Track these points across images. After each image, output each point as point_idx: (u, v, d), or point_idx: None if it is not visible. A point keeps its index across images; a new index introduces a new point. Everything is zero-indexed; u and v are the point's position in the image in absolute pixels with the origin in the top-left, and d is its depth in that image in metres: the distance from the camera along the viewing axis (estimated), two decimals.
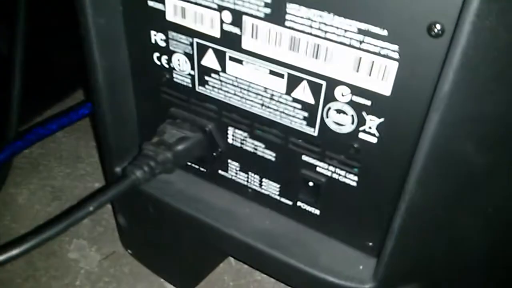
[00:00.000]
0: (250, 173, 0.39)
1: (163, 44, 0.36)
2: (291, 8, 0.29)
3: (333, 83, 0.31)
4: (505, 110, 0.27)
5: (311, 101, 0.32)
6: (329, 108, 0.32)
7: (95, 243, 0.58)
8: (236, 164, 0.39)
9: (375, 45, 0.28)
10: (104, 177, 0.54)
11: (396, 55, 0.28)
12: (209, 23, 0.33)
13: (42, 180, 0.66)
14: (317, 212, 0.37)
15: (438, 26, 0.25)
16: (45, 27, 0.52)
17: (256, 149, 0.37)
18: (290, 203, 0.38)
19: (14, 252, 0.29)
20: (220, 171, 0.41)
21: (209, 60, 0.35)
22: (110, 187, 0.33)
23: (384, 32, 0.27)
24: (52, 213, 0.61)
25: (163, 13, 0.35)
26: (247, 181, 0.40)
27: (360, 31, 0.28)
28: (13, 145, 0.44)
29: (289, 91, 0.33)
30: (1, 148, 0.45)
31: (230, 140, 0.38)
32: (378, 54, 0.28)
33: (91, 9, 0.35)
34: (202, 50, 0.35)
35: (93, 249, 0.58)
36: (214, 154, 0.39)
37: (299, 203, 0.38)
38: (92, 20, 0.35)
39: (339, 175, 0.34)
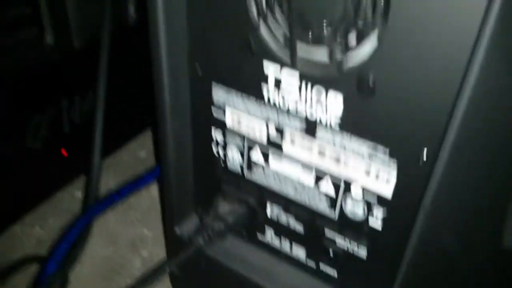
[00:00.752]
0: (282, 239, 0.50)
1: (221, 141, 0.48)
2: (320, 127, 0.41)
3: (349, 182, 0.42)
4: (475, 214, 0.38)
5: (332, 193, 0.43)
6: (346, 200, 0.43)
7: None
8: (272, 232, 0.50)
9: (380, 159, 0.39)
10: (164, 235, 0.65)
11: (395, 168, 0.38)
12: (258, 132, 0.45)
13: (99, 225, 0.77)
14: (335, 274, 0.48)
15: (424, 156, 0.36)
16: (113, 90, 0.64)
17: (288, 222, 0.48)
18: (314, 265, 0.49)
19: None
20: (258, 236, 0.52)
21: (256, 156, 0.46)
22: (182, 253, 0.45)
23: (387, 150, 0.38)
24: (109, 257, 0.73)
25: (223, 121, 0.46)
26: (280, 246, 0.51)
27: (370, 148, 0.39)
28: (94, 209, 0.56)
29: (316, 184, 0.44)
30: (85, 211, 0.57)
31: (268, 213, 0.49)
32: (383, 165, 0.39)
33: (170, 118, 0.47)
34: (251, 149, 0.46)
35: None
36: (255, 223, 0.50)
37: (321, 266, 0.48)
38: (169, 125, 0.47)
39: (353, 248, 0.45)
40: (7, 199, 0.65)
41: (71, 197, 0.81)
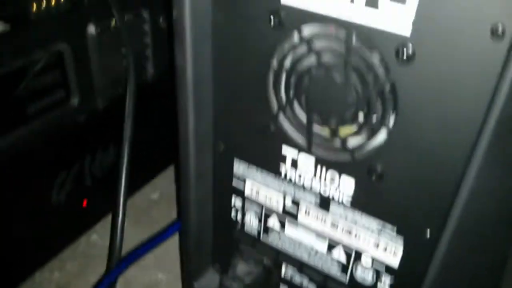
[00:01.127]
0: None
1: (239, 207, 0.52)
2: (333, 203, 0.45)
3: (360, 252, 0.46)
4: (474, 281, 0.42)
5: (344, 261, 0.47)
6: (356, 267, 0.47)
7: None
8: None
9: (388, 234, 0.43)
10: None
11: (402, 243, 0.43)
12: (275, 202, 0.49)
13: None
14: None
15: (428, 234, 0.41)
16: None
17: (301, 282, 0.52)
18: None
19: None
20: None
21: (272, 223, 0.50)
22: None
23: (394, 228, 0.43)
24: None
25: (242, 190, 0.50)
26: None
27: (379, 225, 0.43)
28: (118, 269, 0.60)
29: (329, 251, 0.48)
30: (109, 271, 0.61)
31: (282, 274, 0.53)
32: (390, 240, 0.43)
33: (193, 184, 0.51)
34: (268, 216, 0.50)
35: None
36: (270, 282, 0.54)
37: None
38: (192, 190, 0.51)
39: None
40: (29, 249, 0.69)
41: (88, 240, 0.85)
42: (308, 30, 0.37)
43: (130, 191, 0.91)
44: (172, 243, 0.86)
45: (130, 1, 0.68)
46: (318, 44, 0.37)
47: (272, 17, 0.38)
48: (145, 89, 0.75)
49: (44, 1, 0.58)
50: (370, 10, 0.34)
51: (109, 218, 0.86)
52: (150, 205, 0.93)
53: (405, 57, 0.34)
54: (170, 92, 0.56)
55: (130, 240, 0.85)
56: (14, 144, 0.59)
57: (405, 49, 0.34)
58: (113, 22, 0.66)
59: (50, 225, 0.69)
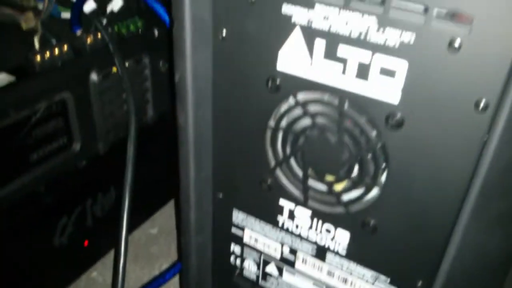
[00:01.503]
0: None
1: (238, 253, 0.54)
2: (329, 253, 0.47)
3: None
4: None
5: None
6: None
7: None
8: None
9: (383, 283, 0.45)
10: None
11: None
12: (273, 250, 0.50)
13: None
14: None
15: (419, 284, 0.42)
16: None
17: None
18: None
19: None
20: None
21: (271, 268, 0.52)
22: None
23: (388, 279, 0.44)
24: None
25: (241, 237, 0.52)
26: None
27: (373, 275, 0.45)
28: None
29: None
30: None
31: None
32: None
33: (193, 232, 0.53)
34: (266, 262, 0.52)
35: None
36: None
37: None
38: (192, 237, 0.53)
39: None
40: None
41: (88, 277, 0.86)
42: (302, 95, 0.39)
43: (129, 229, 0.92)
44: (173, 283, 0.87)
45: (131, 47, 0.70)
46: (313, 108, 0.39)
47: (269, 82, 0.40)
48: (145, 130, 0.77)
49: (48, 52, 0.61)
50: (361, 81, 0.36)
51: (109, 254, 0.87)
52: (149, 240, 0.94)
53: (394, 123, 0.36)
54: (169, 132, 0.57)
55: (130, 275, 0.86)
56: (16, 190, 0.60)
57: (394, 117, 0.36)
58: (114, 69, 0.68)
59: (52, 266, 0.70)
